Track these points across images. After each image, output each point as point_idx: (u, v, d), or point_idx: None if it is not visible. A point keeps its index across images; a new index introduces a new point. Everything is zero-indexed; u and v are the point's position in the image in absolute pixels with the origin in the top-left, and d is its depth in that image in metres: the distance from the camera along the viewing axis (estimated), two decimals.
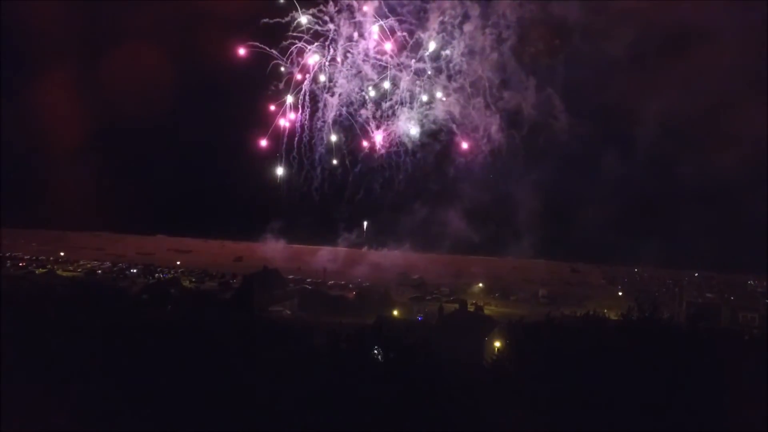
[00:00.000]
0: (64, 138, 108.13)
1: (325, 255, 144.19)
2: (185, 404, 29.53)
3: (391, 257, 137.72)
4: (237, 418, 26.91)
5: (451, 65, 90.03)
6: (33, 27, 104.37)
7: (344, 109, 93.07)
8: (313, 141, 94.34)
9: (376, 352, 37.24)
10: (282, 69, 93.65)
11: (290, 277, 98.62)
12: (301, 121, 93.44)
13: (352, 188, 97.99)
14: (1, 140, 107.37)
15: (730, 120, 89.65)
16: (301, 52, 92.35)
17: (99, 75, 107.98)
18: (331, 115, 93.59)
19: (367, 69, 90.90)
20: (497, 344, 52.02)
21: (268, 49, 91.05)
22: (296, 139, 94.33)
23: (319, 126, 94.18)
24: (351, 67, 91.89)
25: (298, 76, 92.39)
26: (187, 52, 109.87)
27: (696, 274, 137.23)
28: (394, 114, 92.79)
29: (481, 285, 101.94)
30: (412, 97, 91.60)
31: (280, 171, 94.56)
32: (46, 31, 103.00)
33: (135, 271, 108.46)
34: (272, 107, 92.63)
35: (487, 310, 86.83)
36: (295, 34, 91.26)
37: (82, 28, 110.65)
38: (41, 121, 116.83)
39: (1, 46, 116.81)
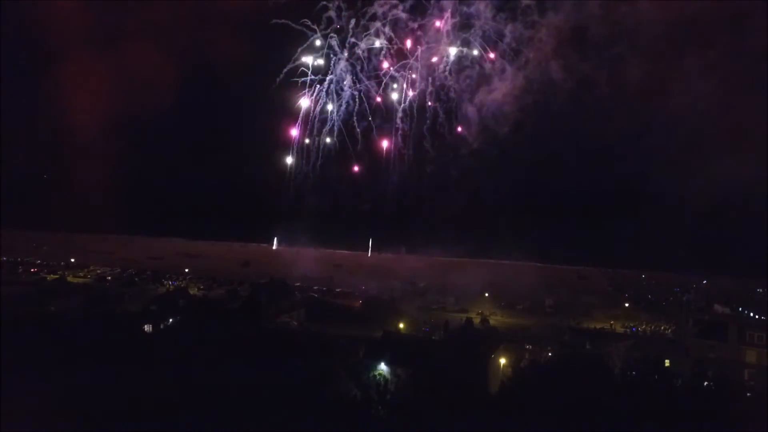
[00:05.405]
0: (76, 139, 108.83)
1: (333, 259, 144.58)
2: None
3: (399, 262, 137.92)
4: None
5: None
6: (60, 25, 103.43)
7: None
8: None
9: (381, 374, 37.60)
10: (318, 42, 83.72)
11: (296, 284, 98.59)
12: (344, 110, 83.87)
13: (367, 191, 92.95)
14: (11, 143, 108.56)
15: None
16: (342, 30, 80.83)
17: (108, 77, 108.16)
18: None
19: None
20: (503, 362, 52.39)
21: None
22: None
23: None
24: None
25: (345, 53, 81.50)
26: (195, 51, 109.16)
27: (705, 281, 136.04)
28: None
29: (486, 294, 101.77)
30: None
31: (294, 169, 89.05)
32: (74, 28, 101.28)
33: (144, 278, 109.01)
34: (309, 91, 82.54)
35: (493, 321, 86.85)
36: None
37: (89, 26, 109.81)
38: (51, 123, 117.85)
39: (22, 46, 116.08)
